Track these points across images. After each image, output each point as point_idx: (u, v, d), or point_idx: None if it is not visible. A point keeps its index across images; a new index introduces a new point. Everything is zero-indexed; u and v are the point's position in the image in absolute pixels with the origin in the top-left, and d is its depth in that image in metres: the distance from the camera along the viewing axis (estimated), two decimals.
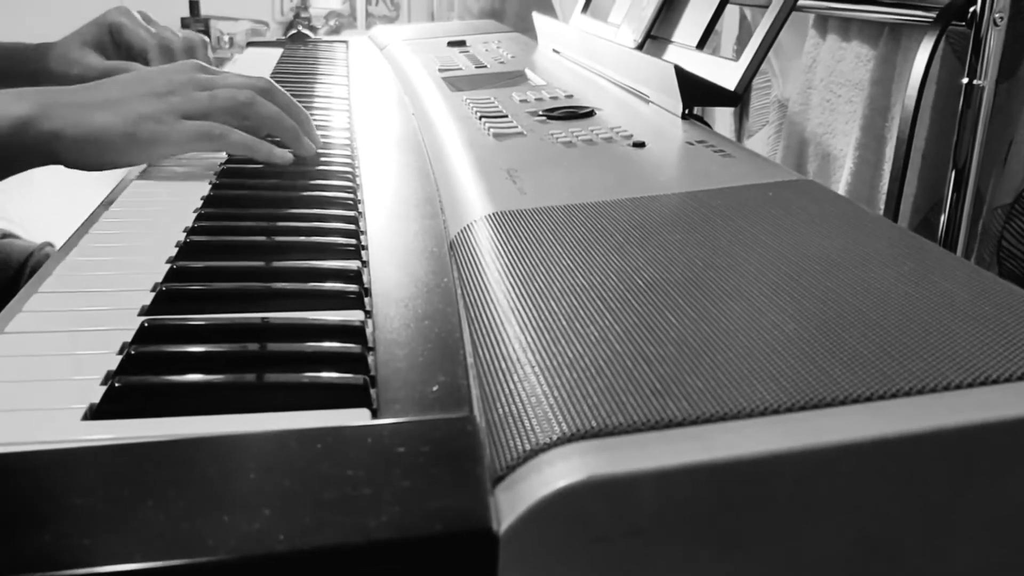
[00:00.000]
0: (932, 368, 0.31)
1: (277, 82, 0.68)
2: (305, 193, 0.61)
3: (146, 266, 0.48)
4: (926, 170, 0.98)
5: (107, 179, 0.65)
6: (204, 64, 0.66)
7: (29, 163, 0.59)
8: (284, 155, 0.65)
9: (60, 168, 0.62)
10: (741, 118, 1.35)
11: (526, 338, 0.35)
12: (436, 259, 0.48)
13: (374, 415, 0.34)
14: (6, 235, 0.86)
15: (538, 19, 1.17)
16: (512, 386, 0.32)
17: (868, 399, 0.30)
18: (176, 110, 0.61)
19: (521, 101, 0.79)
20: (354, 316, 0.42)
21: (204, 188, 0.62)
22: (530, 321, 0.36)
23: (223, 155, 0.70)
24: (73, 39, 0.87)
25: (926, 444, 0.28)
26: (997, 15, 0.83)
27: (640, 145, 0.63)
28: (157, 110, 0.60)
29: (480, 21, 1.65)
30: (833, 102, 1.11)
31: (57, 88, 0.61)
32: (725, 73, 0.73)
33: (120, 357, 0.38)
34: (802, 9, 1.10)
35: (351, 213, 0.57)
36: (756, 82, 1.29)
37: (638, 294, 0.38)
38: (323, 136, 0.78)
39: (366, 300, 0.44)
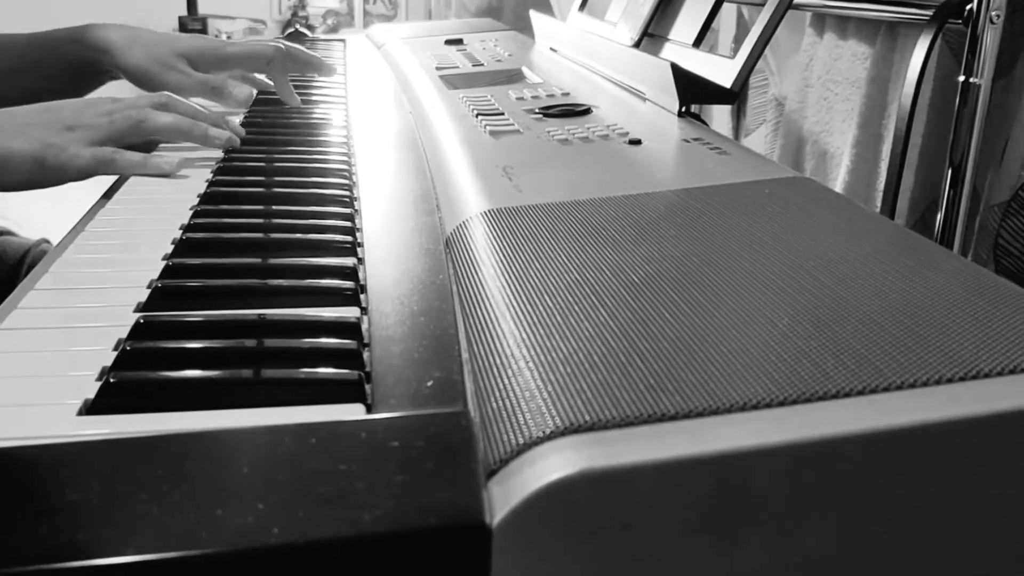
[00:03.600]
0: (925, 362, 0.31)
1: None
2: (301, 190, 0.61)
3: (142, 263, 0.48)
4: (923, 168, 0.98)
5: (102, 177, 0.65)
6: (113, 97, 0.70)
7: None
8: (171, 164, 0.67)
9: None
10: (738, 116, 1.35)
11: (521, 334, 0.35)
12: (432, 256, 0.48)
13: (369, 410, 0.34)
14: (2, 232, 0.86)
15: (535, 17, 1.17)
16: (506, 381, 0.32)
17: (860, 392, 0.30)
18: (80, 139, 0.64)
19: (518, 99, 0.79)
20: (350, 312, 0.42)
21: (201, 185, 0.62)
22: (525, 317, 0.36)
23: (220, 152, 0.70)
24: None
25: (918, 437, 0.29)
26: (993, 13, 0.83)
27: (636, 143, 0.63)
28: (64, 139, 0.63)
29: (477, 19, 1.65)
30: (830, 100, 1.11)
31: None
32: (722, 71, 0.73)
33: (115, 353, 0.38)
34: (799, 7, 1.10)
35: (347, 210, 0.57)
36: (753, 80, 1.29)
37: (633, 290, 0.38)
38: (320, 134, 0.78)
39: (362, 297, 0.44)
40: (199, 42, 0.88)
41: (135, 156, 0.66)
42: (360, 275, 0.47)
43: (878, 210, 0.97)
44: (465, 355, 0.37)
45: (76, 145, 0.64)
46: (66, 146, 0.63)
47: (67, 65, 0.85)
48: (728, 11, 1.32)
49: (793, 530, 0.28)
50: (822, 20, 1.13)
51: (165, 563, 0.25)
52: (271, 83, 0.91)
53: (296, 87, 0.92)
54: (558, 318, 0.36)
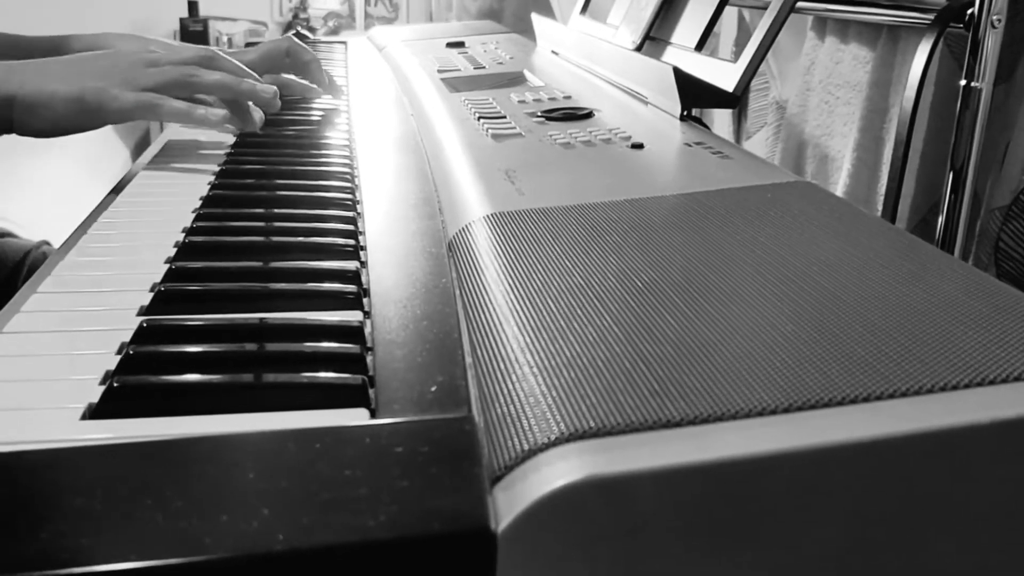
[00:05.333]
0: (929, 369, 0.31)
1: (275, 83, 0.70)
2: (304, 194, 0.61)
3: (145, 266, 0.48)
4: (924, 172, 0.98)
5: (105, 178, 0.66)
6: (155, 46, 0.71)
7: None
8: (217, 115, 0.68)
9: (57, 166, 0.62)
10: (740, 120, 1.35)
11: (524, 338, 0.35)
12: (434, 260, 0.48)
13: (372, 415, 0.34)
14: (3, 234, 0.86)
15: (537, 20, 1.17)
16: (510, 386, 0.32)
17: (865, 399, 0.30)
18: (124, 83, 0.64)
19: (519, 102, 0.79)
20: (353, 316, 0.42)
21: (203, 188, 0.62)
22: (528, 321, 0.36)
23: (222, 155, 0.70)
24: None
25: (923, 444, 0.29)
26: (995, 17, 0.83)
27: (638, 146, 0.63)
28: (107, 82, 0.64)
29: (479, 22, 1.65)
30: (831, 104, 1.11)
31: (12, 62, 0.65)
32: (723, 75, 0.73)
33: (119, 357, 0.38)
34: (801, 11, 1.10)
35: (350, 214, 0.57)
36: (754, 84, 1.29)
37: (636, 295, 0.38)
38: (322, 137, 0.78)
39: (365, 301, 0.44)
40: (212, 55, 0.87)
41: (180, 104, 0.66)
42: (363, 279, 0.47)
43: (879, 214, 0.97)
44: (468, 359, 0.37)
45: (119, 88, 0.64)
46: (108, 87, 0.63)
47: None
48: (730, 15, 1.32)
49: (799, 537, 0.28)
50: (823, 24, 1.13)
51: (169, 569, 0.25)
52: (285, 80, 0.91)
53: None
54: (561, 322, 0.36)
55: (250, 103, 0.73)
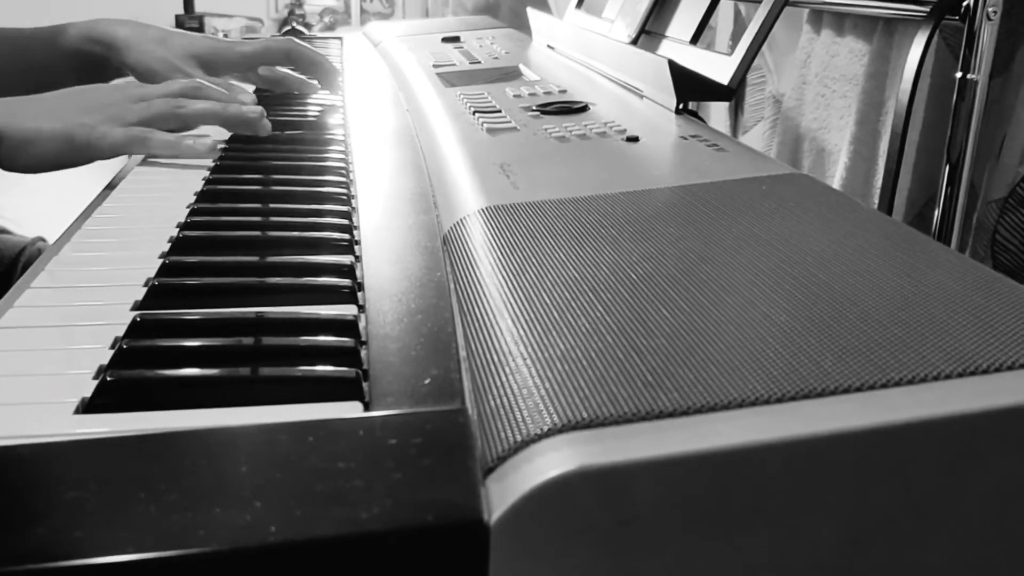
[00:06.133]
0: (924, 358, 0.31)
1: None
2: (298, 188, 0.61)
3: (139, 261, 0.48)
4: (920, 164, 0.98)
5: (100, 175, 0.65)
6: (144, 85, 0.72)
7: None
8: (204, 145, 0.68)
9: None
10: (736, 113, 1.35)
11: (518, 331, 0.35)
12: (429, 253, 0.48)
13: (366, 408, 0.34)
14: None
15: (532, 14, 1.17)
16: (504, 378, 0.32)
17: (859, 389, 0.30)
18: (112, 119, 0.65)
19: (515, 96, 0.79)
20: (347, 310, 0.42)
21: (198, 183, 0.62)
22: (522, 314, 0.36)
23: (218, 150, 0.70)
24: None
25: (917, 434, 0.29)
26: (990, 9, 0.83)
27: (634, 140, 0.63)
28: (94, 119, 0.64)
29: (474, 17, 1.64)
30: (828, 97, 1.11)
31: (2, 99, 0.65)
32: (719, 68, 0.73)
33: (112, 351, 0.38)
34: (796, 4, 1.10)
35: (344, 208, 0.57)
36: (751, 77, 1.29)
37: (630, 287, 0.38)
38: (317, 132, 0.78)
39: (359, 295, 0.44)
40: (213, 43, 0.87)
41: (168, 137, 0.67)
42: (357, 273, 0.46)
43: (876, 206, 0.97)
44: (463, 352, 0.37)
45: (107, 124, 0.64)
46: (96, 124, 0.64)
47: (73, 60, 0.85)
48: (725, 8, 1.32)
49: (792, 527, 0.28)
50: (819, 17, 1.13)
51: (163, 562, 0.25)
52: (281, 75, 0.91)
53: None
54: (555, 315, 0.36)
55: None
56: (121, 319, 0.41)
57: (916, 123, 0.96)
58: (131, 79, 0.82)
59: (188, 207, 0.57)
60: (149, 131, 0.66)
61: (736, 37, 1.30)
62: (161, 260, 0.48)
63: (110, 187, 0.62)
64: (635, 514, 0.27)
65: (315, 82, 0.91)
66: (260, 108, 0.72)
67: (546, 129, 0.66)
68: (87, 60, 0.85)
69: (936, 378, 0.30)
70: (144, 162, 0.68)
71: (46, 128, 0.62)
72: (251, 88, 0.86)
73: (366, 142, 0.74)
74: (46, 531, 0.26)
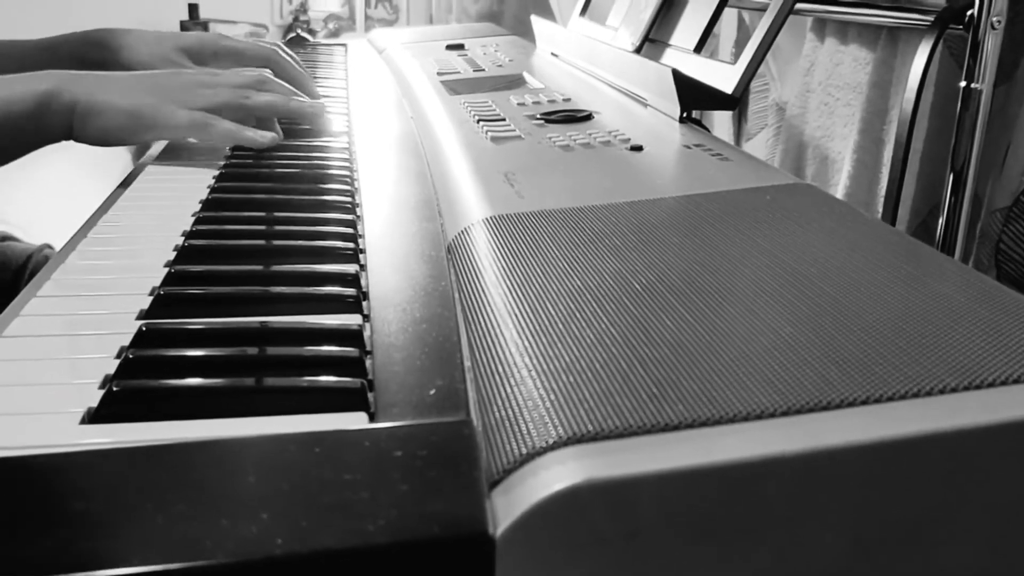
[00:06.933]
0: (928, 372, 0.31)
1: None
2: (303, 197, 0.61)
3: (144, 270, 0.48)
4: (924, 173, 0.98)
5: (107, 182, 0.66)
6: (215, 71, 0.74)
7: (50, 135, 0.66)
8: (265, 137, 0.71)
9: (58, 170, 0.63)
10: (739, 121, 1.35)
11: (523, 342, 0.35)
12: (434, 263, 0.48)
13: (371, 419, 0.34)
14: (5, 237, 0.87)
15: (536, 22, 1.17)
16: (509, 390, 0.32)
17: (864, 402, 0.30)
18: (178, 102, 0.67)
19: (519, 104, 0.79)
20: (352, 320, 0.42)
21: (203, 192, 0.62)
22: (527, 325, 0.36)
23: (222, 159, 0.71)
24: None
25: (922, 447, 0.29)
26: (995, 18, 0.83)
27: (638, 149, 0.63)
28: (162, 99, 0.67)
29: (478, 24, 1.65)
30: (831, 105, 1.11)
31: (74, 72, 0.68)
32: (723, 76, 0.73)
33: (118, 361, 0.38)
34: (800, 12, 1.10)
35: (349, 217, 0.57)
36: (754, 85, 1.29)
37: (635, 298, 0.38)
38: (321, 140, 0.78)
39: (364, 304, 0.44)
40: (199, 36, 0.90)
41: (230, 126, 0.69)
42: (362, 282, 0.47)
43: (879, 215, 0.97)
44: (467, 363, 0.37)
45: (173, 106, 0.67)
46: (162, 104, 0.66)
47: (73, 66, 0.86)
48: (729, 16, 1.32)
49: (797, 540, 0.28)
50: (823, 25, 1.13)
51: (169, 574, 0.25)
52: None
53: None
54: (560, 326, 0.36)
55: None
56: (127, 328, 0.41)
57: (920, 132, 0.96)
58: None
59: (193, 216, 0.57)
60: (212, 118, 0.68)
61: (740, 45, 1.30)
62: (167, 269, 0.48)
63: (116, 194, 0.62)
64: (640, 527, 0.27)
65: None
66: (321, 104, 0.76)
67: (550, 138, 0.67)
68: (88, 64, 0.85)
69: (941, 391, 0.30)
70: (150, 169, 0.69)
71: (116, 102, 0.65)
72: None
73: (370, 150, 0.74)
74: (53, 542, 0.26)
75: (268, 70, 0.76)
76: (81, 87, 0.66)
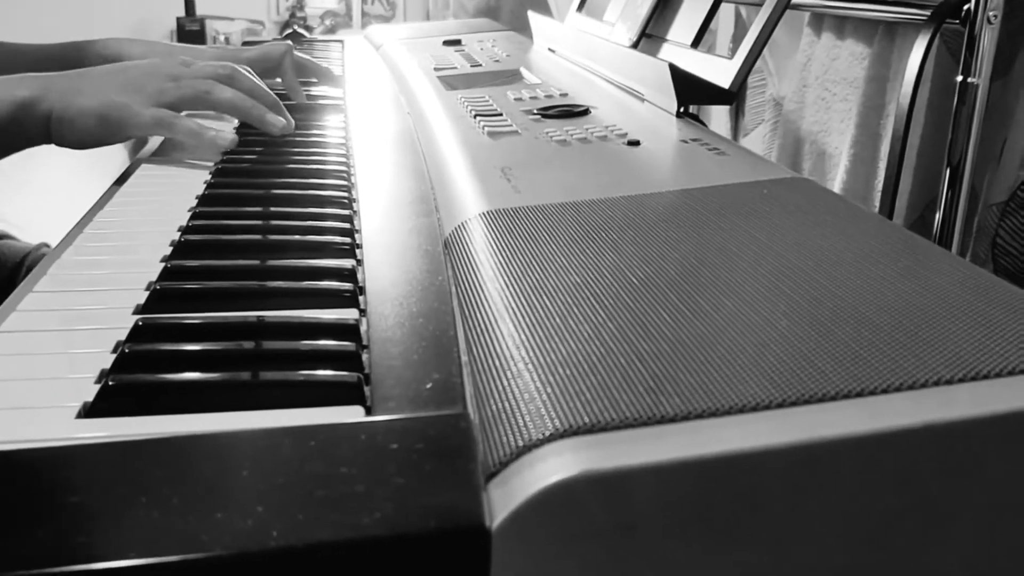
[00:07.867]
0: (924, 364, 0.31)
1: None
2: (300, 192, 0.61)
3: (141, 264, 0.48)
4: (921, 167, 0.98)
5: (103, 180, 0.66)
6: (185, 57, 0.73)
7: (27, 142, 0.66)
8: (225, 140, 0.70)
9: (56, 169, 0.62)
10: (737, 116, 1.35)
11: (520, 335, 0.35)
12: (430, 257, 0.48)
13: (368, 412, 0.34)
14: (2, 236, 0.86)
15: (533, 18, 1.17)
16: (505, 383, 0.32)
17: (859, 394, 0.30)
18: (146, 99, 0.67)
19: (516, 100, 0.79)
20: (348, 314, 0.42)
21: (199, 187, 0.62)
22: (524, 319, 0.36)
23: (219, 155, 0.70)
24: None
25: (918, 439, 0.29)
26: (991, 13, 0.83)
27: (635, 143, 0.63)
28: (129, 99, 0.67)
29: (475, 20, 1.65)
30: (828, 100, 1.11)
31: (51, 74, 0.67)
32: (720, 71, 0.73)
33: (114, 356, 0.38)
34: (797, 7, 1.10)
35: (346, 212, 0.57)
36: (751, 80, 1.29)
37: (632, 291, 0.38)
38: (318, 135, 0.78)
39: (360, 298, 0.44)
40: (213, 52, 0.89)
41: (192, 124, 0.69)
42: (359, 277, 0.47)
43: (876, 210, 0.97)
44: (464, 357, 0.37)
45: (138, 104, 0.66)
46: (128, 104, 0.66)
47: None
48: (726, 11, 1.32)
49: (792, 532, 0.28)
50: (820, 20, 1.13)
51: (165, 567, 0.25)
52: (278, 80, 0.91)
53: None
54: (557, 320, 0.36)
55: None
56: (123, 323, 0.41)
57: (917, 126, 0.96)
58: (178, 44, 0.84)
59: (190, 210, 0.57)
60: (175, 116, 0.68)
61: (737, 40, 1.30)
62: (163, 264, 0.48)
63: (111, 190, 0.62)
64: (637, 519, 0.27)
65: (303, 95, 0.92)
66: (283, 121, 0.74)
67: (547, 133, 0.67)
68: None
69: (937, 383, 0.30)
70: (146, 164, 0.69)
71: (86, 106, 0.65)
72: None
73: (367, 145, 0.74)
74: (49, 536, 0.26)
75: (247, 66, 0.75)
76: (56, 93, 0.65)
